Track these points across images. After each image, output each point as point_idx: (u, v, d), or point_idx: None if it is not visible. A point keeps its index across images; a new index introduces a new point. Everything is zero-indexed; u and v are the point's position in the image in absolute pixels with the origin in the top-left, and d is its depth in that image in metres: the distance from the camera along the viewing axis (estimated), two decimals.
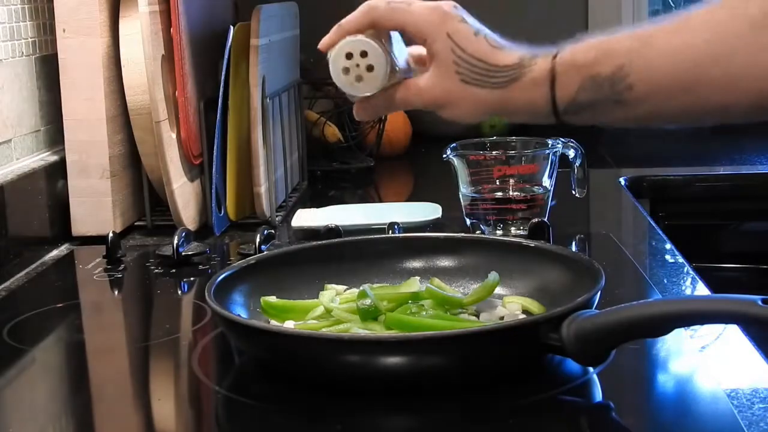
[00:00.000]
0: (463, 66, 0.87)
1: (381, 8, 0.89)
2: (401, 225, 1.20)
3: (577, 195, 1.32)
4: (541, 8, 2.16)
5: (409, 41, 0.92)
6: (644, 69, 0.82)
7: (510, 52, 0.87)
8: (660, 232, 1.29)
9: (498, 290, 0.94)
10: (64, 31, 1.27)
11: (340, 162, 1.77)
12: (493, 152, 1.25)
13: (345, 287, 0.96)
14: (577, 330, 0.76)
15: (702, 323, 0.83)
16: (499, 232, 1.24)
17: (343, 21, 0.91)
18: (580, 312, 0.78)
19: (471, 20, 0.90)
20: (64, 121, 1.29)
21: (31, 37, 1.30)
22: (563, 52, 0.86)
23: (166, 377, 0.92)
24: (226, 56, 1.31)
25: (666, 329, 0.76)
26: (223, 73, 1.31)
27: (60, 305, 1.07)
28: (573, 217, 1.38)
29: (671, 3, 2.35)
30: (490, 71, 0.87)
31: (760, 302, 0.70)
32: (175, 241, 1.17)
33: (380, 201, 1.63)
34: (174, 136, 1.31)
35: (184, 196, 1.32)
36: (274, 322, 0.90)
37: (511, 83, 0.86)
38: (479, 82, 0.87)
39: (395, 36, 0.92)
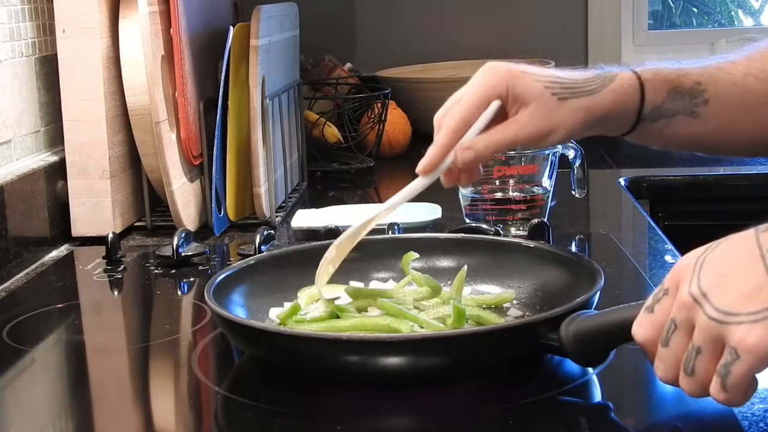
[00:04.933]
0: (555, 86, 0.90)
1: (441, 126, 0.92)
2: (401, 225, 1.20)
3: (576, 195, 1.32)
4: (541, 8, 2.16)
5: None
6: (718, 87, 0.93)
7: (583, 71, 0.93)
8: (660, 232, 1.29)
9: (494, 291, 0.95)
10: (63, 31, 1.27)
11: (339, 162, 1.77)
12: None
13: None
14: (576, 330, 0.76)
15: None
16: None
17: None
18: (579, 312, 0.78)
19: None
20: (64, 121, 1.29)
21: (31, 38, 1.30)
22: (638, 68, 0.93)
23: (166, 377, 0.92)
24: (225, 56, 1.31)
25: None
26: (223, 73, 1.31)
27: (60, 305, 1.07)
28: (573, 218, 1.38)
29: (671, 3, 2.35)
30: (580, 83, 0.91)
31: None
32: (175, 242, 1.17)
33: (380, 201, 1.63)
34: (174, 136, 1.31)
35: (184, 197, 1.32)
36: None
37: (602, 88, 0.91)
38: (574, 93, 0.90)
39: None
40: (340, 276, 0.98)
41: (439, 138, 0.91)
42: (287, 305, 0.92)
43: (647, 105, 0.92)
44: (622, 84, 0.92)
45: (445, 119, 0.92)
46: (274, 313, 0.92)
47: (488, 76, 0.91)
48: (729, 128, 0.95)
